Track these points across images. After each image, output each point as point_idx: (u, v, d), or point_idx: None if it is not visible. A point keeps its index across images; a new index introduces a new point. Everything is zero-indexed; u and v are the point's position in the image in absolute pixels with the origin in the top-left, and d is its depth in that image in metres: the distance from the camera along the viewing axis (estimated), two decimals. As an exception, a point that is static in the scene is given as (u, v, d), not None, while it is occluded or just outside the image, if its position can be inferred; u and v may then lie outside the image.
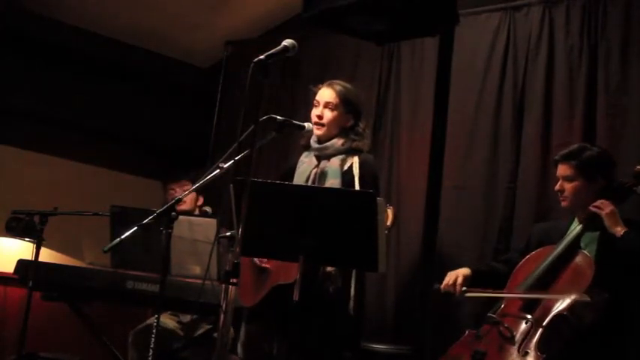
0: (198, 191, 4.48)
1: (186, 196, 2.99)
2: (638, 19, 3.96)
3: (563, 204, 3.46)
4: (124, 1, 5.31)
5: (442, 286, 3.47)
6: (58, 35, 5.32)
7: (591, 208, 3.28)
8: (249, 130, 2.63)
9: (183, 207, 4.40)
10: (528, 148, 4.15)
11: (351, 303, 3.32)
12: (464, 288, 3.42)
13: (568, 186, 3.40)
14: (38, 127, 5.40)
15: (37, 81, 5.30)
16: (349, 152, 3.52)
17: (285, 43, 2.73)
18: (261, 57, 2.63)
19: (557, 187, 3.46)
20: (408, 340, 4.12)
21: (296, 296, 2.78)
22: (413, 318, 4.17)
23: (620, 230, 3.20)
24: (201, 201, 4.69)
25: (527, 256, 3.45)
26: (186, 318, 4.28)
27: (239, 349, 3.61)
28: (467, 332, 3.36)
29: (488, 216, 4.25)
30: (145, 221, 2.90)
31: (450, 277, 3.48)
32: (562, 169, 3.43)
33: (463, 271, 3.50)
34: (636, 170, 3.30)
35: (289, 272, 3.21)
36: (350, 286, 3.34)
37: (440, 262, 4.17)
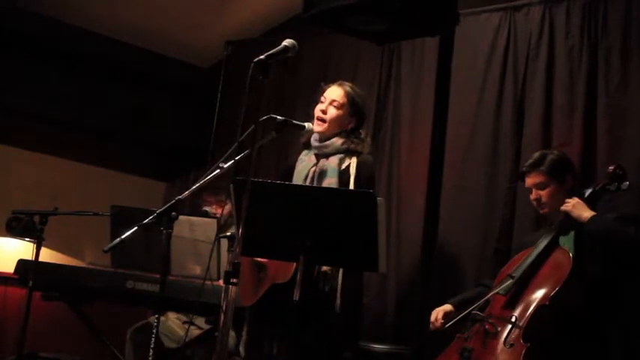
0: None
1: (186, 196, 2.97)
2: (638, 19, 3.96)
3: (543, 211, 3.58)
4: (124, 1, 5.31)
5: (430, 327, 3.59)
6: (58, 35, 5.33)
7: (561, 208, 3.41)
8: (249, 130, 2.63)
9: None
10: (528, 148, 4.15)
11: (338, 301, 3.31)
12: (442, 321, 3.55)
13: (543, 193, 3.53)
14: (38, 127, 5.41)
15: (36, 81, 5.29)
16: (348, 152, 3.53)
17: (285, 43, 2.73)
18: (261, 57, 2.63)
19: (532, 196, 3.56)
20: (408, 340, 4.12)
21: (296, 296, 2.78)
22: (413, 318, 4.17)
23: (587, 215, 3.32)
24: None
25: (510, 261, 3.56)
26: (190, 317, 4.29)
27: (241, 350, 3.61)
28: (457, 337, 3.40)
29: (488, 216, 4.24)
30: (145, 221, 2.89)
31: (432, 316, 3.60)
32: (532, 179, 3.55)
33: (443, 308, 3.62)
34: (609, 171, 3.41)
35: (286, 271, 3.21)
36: (344, 285, 3.33)
37: (440, 263, 4.18)
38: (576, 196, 3.42)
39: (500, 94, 4.32)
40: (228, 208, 4.42)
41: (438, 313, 3.58)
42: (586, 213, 3.33)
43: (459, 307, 3.60)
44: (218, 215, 4.42)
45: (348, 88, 3.61)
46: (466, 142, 4.38)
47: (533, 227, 3.94)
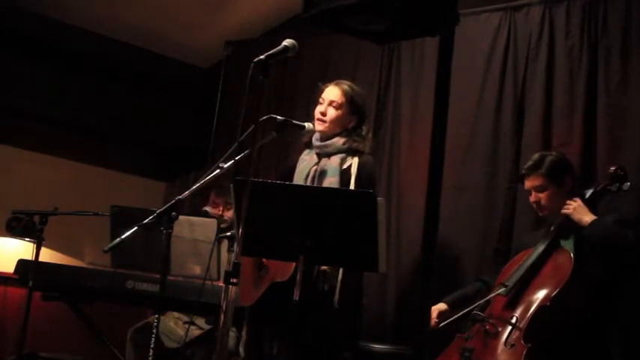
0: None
1: (186, 196, 2.97)
2: (638, 19, 3.96)
3: (543, 214, 3.59)
4: (124, 1, 5.31)
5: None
6: (58, 35, 5.33)
7: (562, 211, 3.42)
8: (249, 130, 2.63)
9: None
10: (528, 148, 4.15)
11: (336, 297, 3.31)
12: (436, 320, 3.56)
13: (542, 195, 3.53)
14: (38, 127, 5.41)
15: (36, 81, 5.30)
16: (349, 152, 3.52)
17: (285, 43, 2.73)
18: (262, 57, 2.63)
19: (531, 199, 3.58)
20: (408, 340, 4.11)
21: (296, 296, 2.78)
22: (413, 318, 4.17)
23: (588, 220, 3.32)
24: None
25: (510, 261, 3.57)
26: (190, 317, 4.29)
27: (241, 350, 3.61)
28: (457, 337, 3.40)
29: (488, 216, 4.25)
30: (145, 221, 2.89)
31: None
32: (531, 182, 3.56)
33: (437, 307, 3.63)
34: (610, 171, 3.41)
35: (285, 270, 3.21)
36: (343, 284, 3.33)
37: (440, 263, 4.17)
38: (577, 198, 3.41)
39: (500, 94, 4.32)
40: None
41: (432, 313, 3.58)
42: (587, 217, 3.33)
43: (454, 306, 3.61)
44: (225, 216, 4.42)
45: (345, 87, 3.59)
46: (466, 142, 4.38)
47: (533, 227, 3.94)
